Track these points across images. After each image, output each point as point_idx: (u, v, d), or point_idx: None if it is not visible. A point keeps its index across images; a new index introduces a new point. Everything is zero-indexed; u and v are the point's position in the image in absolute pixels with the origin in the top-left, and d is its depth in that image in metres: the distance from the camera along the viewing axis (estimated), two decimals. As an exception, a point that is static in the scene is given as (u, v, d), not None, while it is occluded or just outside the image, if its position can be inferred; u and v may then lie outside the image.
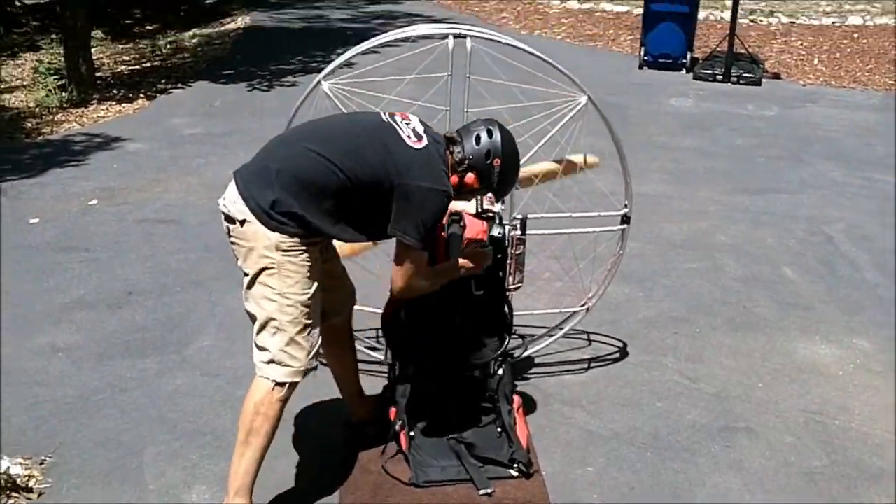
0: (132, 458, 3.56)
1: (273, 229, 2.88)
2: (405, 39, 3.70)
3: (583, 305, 4.18)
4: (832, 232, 6.04)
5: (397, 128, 3.02)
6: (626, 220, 4.00)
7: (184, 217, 6.24)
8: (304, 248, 2.94)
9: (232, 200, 2.93)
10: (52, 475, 3.45)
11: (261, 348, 3.02)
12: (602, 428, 3.79)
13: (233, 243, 3.01)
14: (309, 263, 2.97)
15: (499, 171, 3.13)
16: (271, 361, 3.00)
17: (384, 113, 3.13)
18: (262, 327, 3.00)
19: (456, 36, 3.62)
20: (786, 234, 5.99)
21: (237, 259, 3.02)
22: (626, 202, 3.98)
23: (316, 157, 2.92)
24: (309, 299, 2.99)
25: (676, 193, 6.81)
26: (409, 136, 3.00)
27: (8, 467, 3.39)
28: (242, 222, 2.90)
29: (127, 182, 7.02)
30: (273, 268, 2.92)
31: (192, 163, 7.53)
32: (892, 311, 4.86)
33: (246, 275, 2.99)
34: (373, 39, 3.78)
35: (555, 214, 4.11)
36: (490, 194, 3.39)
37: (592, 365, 4.30)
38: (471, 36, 3.63)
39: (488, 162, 3.11)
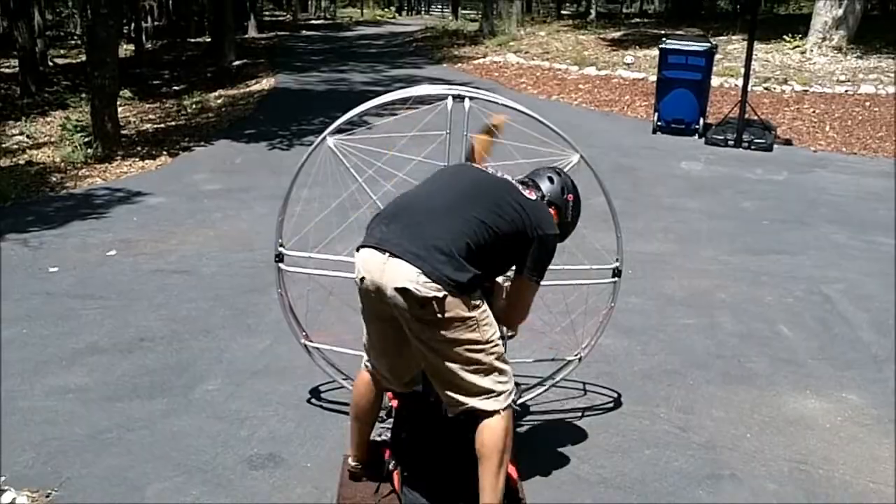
0: (135, 494, 3.68)
1: (468, 294, 3.09)
2: (405, 100, 3.90)
3: (576, 355, 4.30)
4: (831, 292, 6.13)
5: (514, 182, 3.35)
6: (617, 273, 4.14)
7: (197, 268, 6.43)
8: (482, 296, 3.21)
9: (420, 283, 3.03)
10: (56, 507, 3.59)
11: (477, 393, 3.19)
12: (591, 473, 3.89)
13: (419, 320, 3.10)
14: (487, 306, 3.22)
15: (572, 206, 3.49)
16: (492, 396, 3.20)
17: (483, 168, 3.48)
18: (470, 374, 3.16)
19: (455, 97, 3.80)
20: (785, 293, 6.10)
21: (421, 330, 3.13)
22: (618, 257, 4.12)
23: (473, 221, 3.13)
24: (499, 333, 3.25)
25: (679, 252, 6.94)
26: (524, 190, 3.33)
27: (14, 498, 3.53)
28: (442, 299, 3.04)
29: (145, 234, 7.25)
30: (472, 324, 3.12)
31: (210, 216, 7.74)
32: (884, 367, 4.94)
33: (433, 340, 3.13)
34: (374, 100, 3.94)
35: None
36: None
37: (586, 414, 4.41)
38: (469, 97, 3.81)
39: (564, 197, 3.49)
